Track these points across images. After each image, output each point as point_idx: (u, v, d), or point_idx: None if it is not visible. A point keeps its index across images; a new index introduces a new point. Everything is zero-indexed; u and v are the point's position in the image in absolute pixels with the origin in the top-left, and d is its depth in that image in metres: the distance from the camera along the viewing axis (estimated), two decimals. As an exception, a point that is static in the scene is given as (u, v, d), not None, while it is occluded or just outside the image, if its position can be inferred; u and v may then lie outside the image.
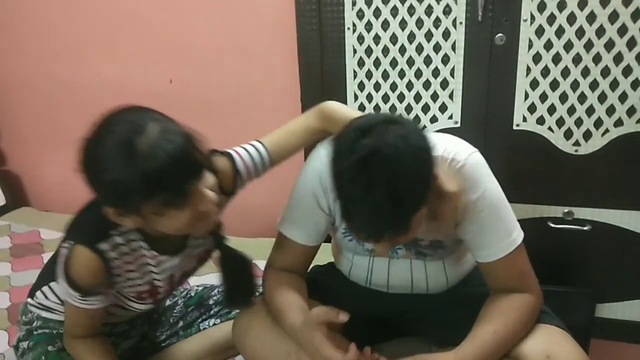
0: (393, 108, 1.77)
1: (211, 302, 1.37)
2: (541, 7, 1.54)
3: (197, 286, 1.44)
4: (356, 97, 1.80)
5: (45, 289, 1.19)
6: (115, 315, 1.18)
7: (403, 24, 1.66)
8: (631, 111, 1.56)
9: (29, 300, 1.24)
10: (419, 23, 1.65)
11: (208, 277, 1.59)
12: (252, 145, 1.17)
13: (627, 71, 1.53)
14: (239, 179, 1.15)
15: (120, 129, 0.89)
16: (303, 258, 1.20)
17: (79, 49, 2.17)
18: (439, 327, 1.19)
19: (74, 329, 1.13)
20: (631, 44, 1.50)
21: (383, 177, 0.85)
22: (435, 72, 1.69)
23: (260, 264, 1.24)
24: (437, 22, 1.63)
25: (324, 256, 1.31)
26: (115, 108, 0.95)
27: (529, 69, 1.61)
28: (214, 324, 1.34)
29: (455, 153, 1.03)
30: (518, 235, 1.08)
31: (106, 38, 2.12)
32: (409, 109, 1.76)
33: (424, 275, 1.21)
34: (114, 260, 1.02)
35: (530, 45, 1.58)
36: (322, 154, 1.11)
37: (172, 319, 1.34)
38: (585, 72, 1.56)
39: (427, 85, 1.71)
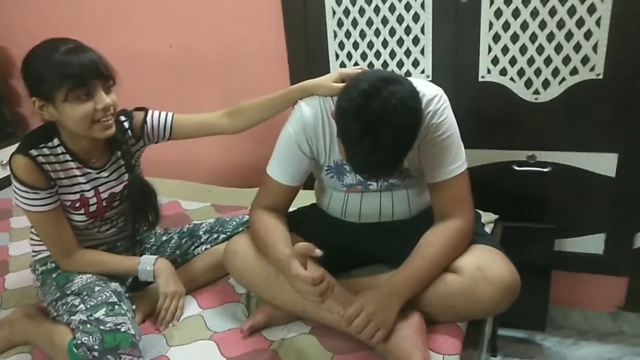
0: (371, 65, 1.93)
1: (200, 232, 1.58)
2: (501, -35, 1.66)
3: (188, 225, 1.66)
4: (337, 56, 1.95)
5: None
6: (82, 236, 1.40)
7: (376, -15, 1.80)
8: (585, 60, 1.68)
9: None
10: (391, -16, 1.78)
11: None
12: (166, 115, 1.44)
13: (580, 23, 1.64)
14: (146, 128, 1.44)
15: (47, 43, 1.23)
16: (284, 197, 1.39)
17: (95, 19, 2.37)
18: (400, 254, 1.34)
19: (56, 247, 1.34)
20: (582, -3, 1.62)
21: (387, 139, 1.04)
22: (407, 30, 1.83)
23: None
24: (406, -18, 1.77)
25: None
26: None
27: (491, 24, 1.73)
28: (206, 249, 1.55)
29: (425, 90, 1.22)
30: (463, 164, 1.28)
31: (117, 9, 2.31)
32: (385, 65, 1.91)
33: (391, 204, 1.40)
34: (45, 165, 1.27)
35: (492, 2, 1.70)
36: (304, 109, 1.30)
37: (169, 249, 1.55)
38: (542, 25, 1.68)
39: (400, 42, 1.86)
